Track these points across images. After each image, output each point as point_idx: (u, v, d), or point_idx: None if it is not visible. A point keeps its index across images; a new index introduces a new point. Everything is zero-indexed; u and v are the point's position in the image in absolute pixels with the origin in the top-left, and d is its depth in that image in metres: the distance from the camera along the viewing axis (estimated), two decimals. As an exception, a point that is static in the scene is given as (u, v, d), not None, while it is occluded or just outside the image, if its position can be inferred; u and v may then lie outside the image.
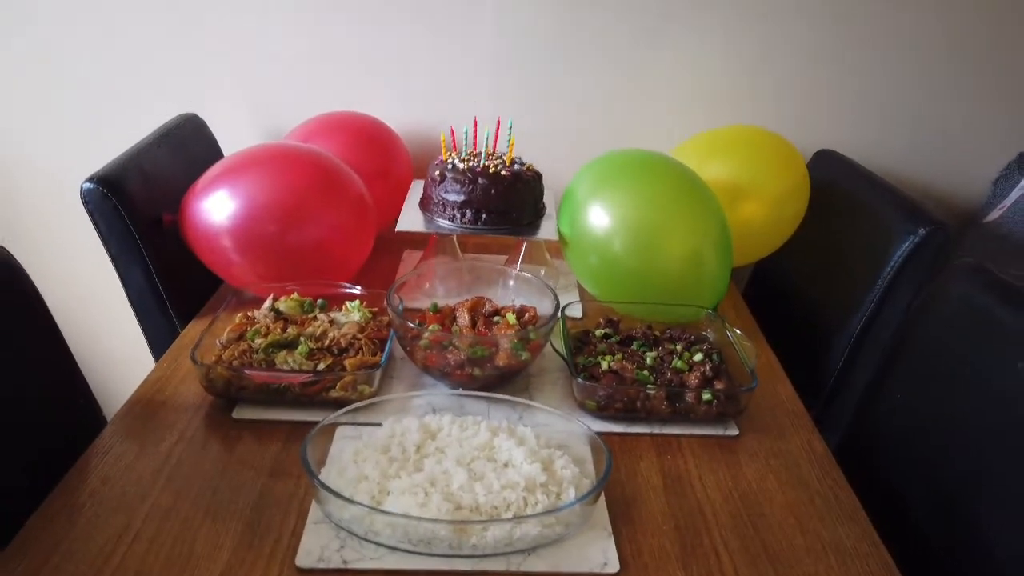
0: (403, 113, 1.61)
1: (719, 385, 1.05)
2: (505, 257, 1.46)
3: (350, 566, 0.78)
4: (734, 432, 1.04)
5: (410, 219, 1.32)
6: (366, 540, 0.80)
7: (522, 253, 1.40)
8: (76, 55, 1.58)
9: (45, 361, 1.00)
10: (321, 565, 0.78)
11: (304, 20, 1.55)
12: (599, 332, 1.19)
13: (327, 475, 0.86)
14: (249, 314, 1.13)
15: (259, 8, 1.54)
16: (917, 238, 1.19)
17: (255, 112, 1.63)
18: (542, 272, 1.39)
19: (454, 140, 1.36)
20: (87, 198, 1.14)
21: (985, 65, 1.59)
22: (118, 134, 1.40)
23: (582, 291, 1.37)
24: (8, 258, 0.94)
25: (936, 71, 1.60)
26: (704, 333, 1.20)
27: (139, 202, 1.19)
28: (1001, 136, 1.63)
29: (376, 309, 1.17)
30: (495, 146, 1.37)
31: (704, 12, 1.55)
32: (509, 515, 0.80)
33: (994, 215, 1.54)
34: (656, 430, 1.03)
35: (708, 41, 1.57)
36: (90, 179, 1.14)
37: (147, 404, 1.03)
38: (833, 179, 1.48)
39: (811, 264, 1.47)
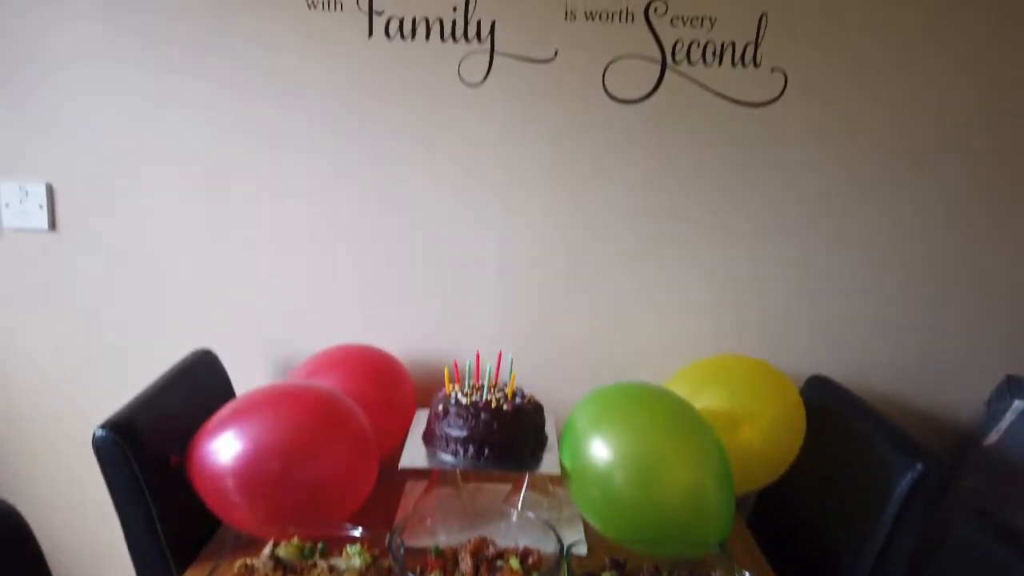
0: (408, 344, 1.69)
1: (729, 637, 1.01)
2: (508, 486, 1.46)
3: None
4: None
5: (413, 454, 1.34)
6: None
7: (525, 483, 1.40)
8: (90, 297, 1.69)
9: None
10: None
11: (314, 257, 1.68)
12: (605, 575, 1.16)
13: None
14: (248, 562, 1.12)
15: (270, 246, 1.67)
16: (915, 474, 1.21)
17: (267, 345, 1.71)
18: (544, 504, 1.38)
19: (457, 373, 1.41)
20: (99, 444, 1.17)
21: (967, 289, 1.68)
22: (132, 371, 1.46)
23: (586, 526, 1.35)
24: (15, 515, 0.95)
25: (920, 296, 1.69)
26: (711, 572, 1.18)
27: (149, 447, 1.21)
28: (987, 357, 1.69)
29: (378, 551, 1.16)
30: (497, 378, 1.41)
31: (693, 250, 1.67)
32: None
33: (992, 438, 1.56)
34: None
35: (696, 277, 1.68)
36: (103, 425, 1.17)
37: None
38: (827, 406, 1.51)
39: (814, 494, 1.47)
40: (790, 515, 1.52)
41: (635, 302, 1.70)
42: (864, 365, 1.70)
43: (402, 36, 1.59)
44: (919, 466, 1.21)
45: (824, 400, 1.54)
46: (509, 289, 1.70)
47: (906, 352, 1.71)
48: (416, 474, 1.49)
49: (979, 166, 1.63)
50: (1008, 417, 1.54)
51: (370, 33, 1.59)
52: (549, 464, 1.32)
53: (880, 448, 1.31)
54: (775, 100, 1.61)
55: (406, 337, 1.70)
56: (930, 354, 1.71)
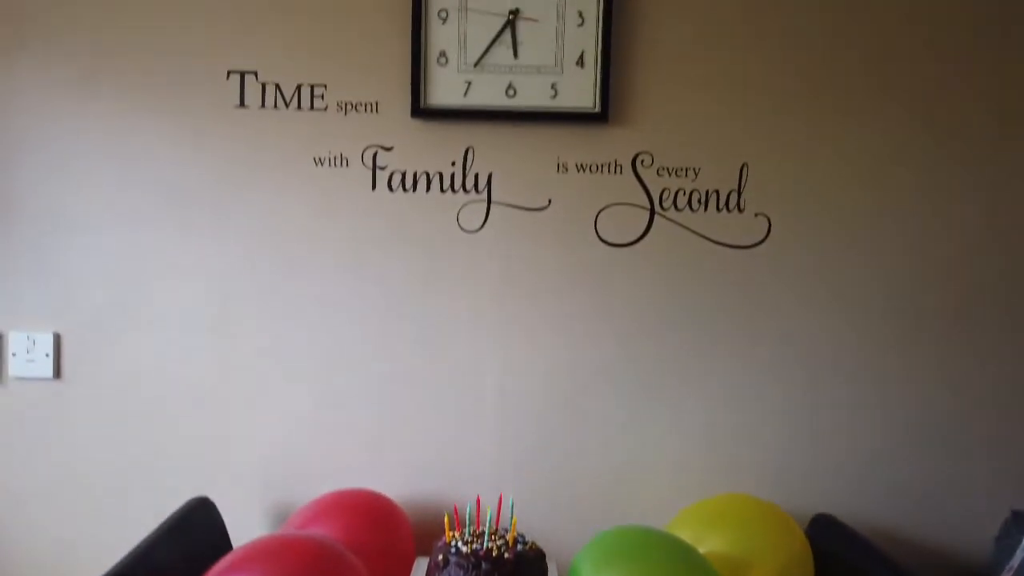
0: (408, 486, 1.68)
1: None
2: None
3: None
4: None
5: (413, 606, 1.30)
6: None
7: (528, 637, 1.36)
8: (90, 443, 1.70)
9: None
10: None
11: (314, 401, 1.70)
12: None
13: None
14: None
15: (270, 393, 1.69)
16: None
17: (265, 491, 1.69)
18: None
19: (457, 519, 1.39)
20: (91, 604, 1.15)
21: (963, 420, 1.70)
22: (131, 519, 1.45)
23: None
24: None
25: (919, 430, 1.70)
26: None
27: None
28: (993, 492, 1.68)
29: None
30: (498, 523, 1.40)
31: (689, 388, 1.70)
32: None
33: (1005, 577, 1.53)
34: None
35: (693, 414, 1.70)
36: (98, 583, 1.15)
37: None
38: (834, 549, 1.49)
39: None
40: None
41: (634, 442, 1.71)
42: (869, 503, 1.69)
43: (404, 189, 1.69)
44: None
45: (830, 541, 1.51)
46: (508, 429, 1.71)
47: (910, 489, 1.70)
48: (415, 628, 1.45)
49: (965, 314, 1.69)
50: (1019, 554, 1.51)
51: (373, 186, 1.68)
52: (553, 615, 1.29)
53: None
54: (761, 243, 1.69)
55: (406, 479, 1.68)
56: (934, 491, 1.70)
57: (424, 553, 1.47)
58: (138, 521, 1.36)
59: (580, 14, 1.64)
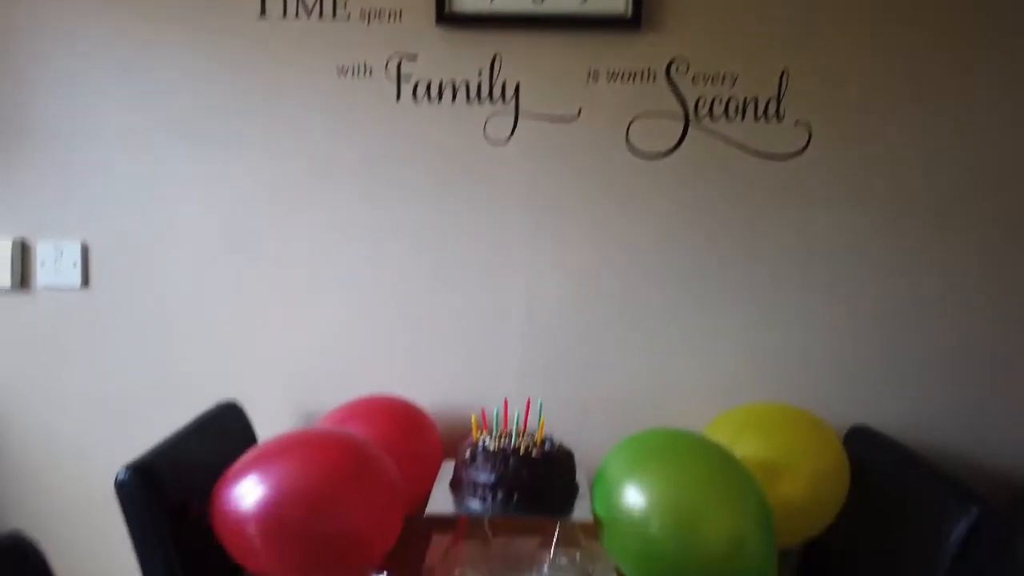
0: (434, 394, 1.67)
1: None
2: (537, 540, 1.39)
3: None
4: None
5: (440, 501, 1.30)
6: None
7: (555, 537, 1.34)
8: (120, 350, 1.71)
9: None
10: None
11: (341, 310, 1.68)
12: (643, 625, 1.10)
13: None
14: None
15: (297, 301, 1.68)
16: (971, 519, 1.14)
17: (292, 397, 1.70)
18: (577, 557, 1.32)
19: (485, 421, 1.38)
20: (122, 486, 1.16)
21: (1008, 333, 1.64)
22: (158, 423, 1.45)
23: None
24: (33, 550, 0.93)
25: (964, 343, 1.65)
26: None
27: (171, 492, 1.20)
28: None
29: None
30: (525, 425, 1.38)
31: (728, 289, 1.66)
32: None
33: (1047, 490, 1.48)
34: None
35: (733, 317, 1.66)
36: (128, 467, 1.16)
37: None
38: (872, 457, 1.45)
39: (863, 548, 1.39)
40: (839, 568, 1.43)
41: (665, 351, 1.67)
42: (907, 417, 1.64)
43: (429, 99, 1.65)
44: (974, 511, 1.14)
45: (868, 451, 1.48)
46: (536, 340, 1.68)
47: (952, 403, 1.65)
48: (442, 527, 1.44)
49: (1018, 221, 1.62)
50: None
51: (398, 97, 1.65)
52: (581, 511, 1.27)
53: (931, 497, 1.24)
54: (800, 152, 1.63)
55: (432, 388, 1.67)
56: (975, 403, 1.65)
57: (449, 457, 1.47)
58: (167, 427, 1.36)
59: (612, -89, 1.58)
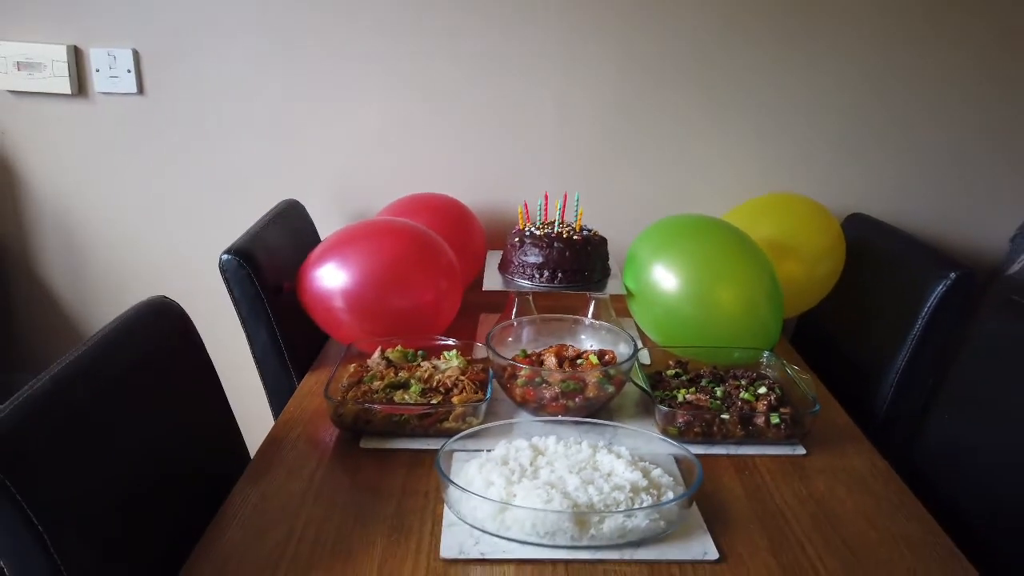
0: (476, 192, 1.82)
1: (785, 410, 1.18)
2: (575, 318, 1.61)
3: (487, 556, 0.91)
4: (801, 452, 1.16)
5: (492, 281, 1.49)
6: (498, 536, 0.93)
7: (591, 311, 1.56)
8: (176, 154, 1.83)
9: (207, 398, 1.17)
10: (463, 556, 0.91)
11: (383, 114, 1.80)
12: (670, 372, 1.33)
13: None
14: (363, 363, 1.29)
15: (342, 106, 1.79)
16: (949, 282, 1.35)
17: (341, 198, 1.85)
18: (610, 323, 1.54)
19: (527, 213, 1.55)
20: (225, 267, 1.33)
21: (1001, 131, 1.79)
22: (235, 215, 1.61)
23: (646, 340, 1.52)
24: (181, 311, 1.12)
25: (955, 139, 1.81)
26: (764, 371, 1.34)
27: (264, 271, 1.37)
28: (1014, 197, 1.81)
29: (470, 358, 1.33)
30: (563, 216, 1.55)
31: (750, 94, 1.79)
32: (621, 509, 0.93)
33: (1014, 268, 1.70)
34: (732, 451, 1.16)
35: (752, 120, 1.80)
36: (227, 251, 1.33)
37: (283, 440, 1.17)
38: (865, 238, 1.65)
39: (850, 316, 1.62)
40: (829, 333, 1.68)
41: (689, 146, 1.82)
42: (899, 206, 1.83)
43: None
44: (952, 275, 1.35)
45: (863, 232, 1.68)
46: (568, 137, 1.81)
47: (941, 191, 1.84)
48: (489, 306, 1.65)
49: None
50: (1030, 248, 1.67)
51: None
52: (614, 287, 1.48)
53: (916, 266, 1.45)
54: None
55: (472, 187, 1.82)
56: (962, 193, 1.84)
57: (492, 249, 1.65)
58: (227, 226, 1.52)
59: None
